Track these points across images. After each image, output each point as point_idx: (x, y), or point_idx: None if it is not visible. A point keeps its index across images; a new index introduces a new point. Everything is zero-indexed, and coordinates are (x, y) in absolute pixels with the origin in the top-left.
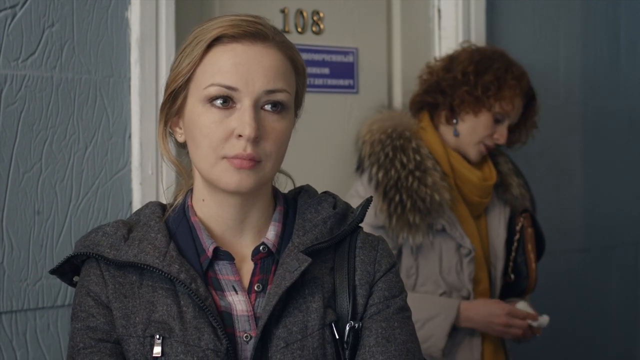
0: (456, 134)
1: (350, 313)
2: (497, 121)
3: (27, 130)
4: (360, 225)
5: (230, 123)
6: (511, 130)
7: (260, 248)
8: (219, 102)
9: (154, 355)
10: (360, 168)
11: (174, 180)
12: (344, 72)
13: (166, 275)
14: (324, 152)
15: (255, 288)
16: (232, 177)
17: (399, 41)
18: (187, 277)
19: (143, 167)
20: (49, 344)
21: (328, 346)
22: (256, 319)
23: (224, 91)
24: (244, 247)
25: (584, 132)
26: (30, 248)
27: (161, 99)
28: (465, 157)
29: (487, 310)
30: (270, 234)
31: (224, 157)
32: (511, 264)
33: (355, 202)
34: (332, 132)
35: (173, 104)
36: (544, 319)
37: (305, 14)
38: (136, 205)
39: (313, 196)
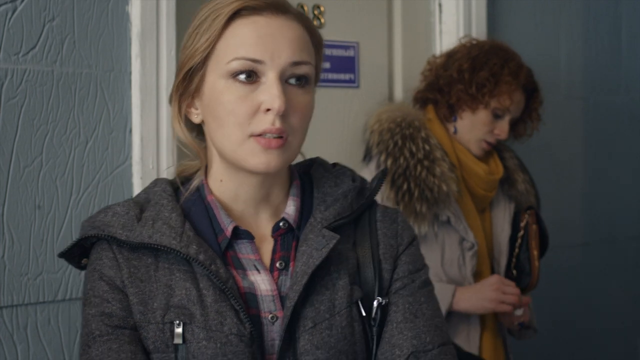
0: (455, 132)
1: (377, 290)
2: (496, 116)
3: (27, 124)
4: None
5: (256, 97)
6: (515, 123)
7: (280, 224)
8: (242, 76)
9: (174, 342)
10: (368, 156)
11: (175, 174)
12: (344, 66)
13: (184, 256)
14: (325, 147)
15: (278, 265)
16: (260, 158)
17: (400, 35)
18: (206, 258)
19: (144, 161)
20: (50, 339)
21: (356, 324)
22: (281, 298)
23: (248, 64)
24: (262, 225)
25: (585, 126)
26: (30, 242)
27: (162, 93)
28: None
29: (479, 285)
30: (290, 209)
31: (251, 135)
32: (514, 260)
33: None
34: (333, 126)
35: (189, 84)
36: (519, 311)
37: (306, 8)
38: None
39: (328, 169)
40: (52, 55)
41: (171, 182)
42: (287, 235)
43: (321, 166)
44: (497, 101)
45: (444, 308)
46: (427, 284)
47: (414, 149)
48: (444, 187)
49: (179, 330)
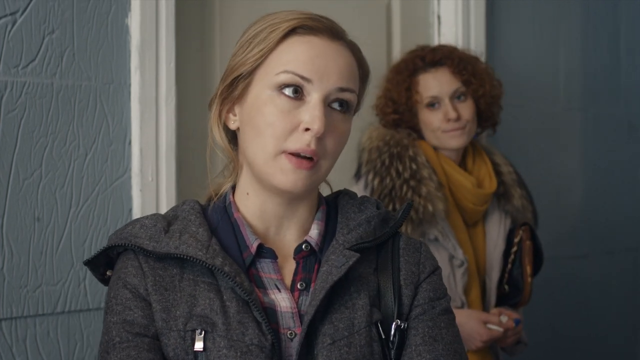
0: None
1: (395, 313)
2: (432, 105)
3: (27, 136)
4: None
5: (298, 115)
6: (477, 100)
7: (303, 246)
8: (289, 90)
9: (195, 349)
10: (357, 174)
11: (174, 186)
12: None
13: (209, 267)
14: None
15: (298, 286)
16: (288, 176)
17: (399, 48)
18: (231, 270)
19: (143, 173)
20: (49, 351)
21: (375, 345)
22: (300, 316)
23: (296, 80)
24: (285, 246)
25: (584, 137)
26: (30, 254)
27: (161, 105)
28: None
29: (468, 326)
30: (314, 233)
31: (285, 151)
32: (506, 275)
33: None
34: None
35: (234, 90)
36: (503, 318)
37: None
38: (136, 211)
39: (353, 197)
40: (52, 68)
41: (199, 203)
42: (309, 258)
43: (347, 195)
44: (418, 96)
45: None
46: (448, 311)
47: (400, 168)
48: (430, 207)
49: (200, 338)
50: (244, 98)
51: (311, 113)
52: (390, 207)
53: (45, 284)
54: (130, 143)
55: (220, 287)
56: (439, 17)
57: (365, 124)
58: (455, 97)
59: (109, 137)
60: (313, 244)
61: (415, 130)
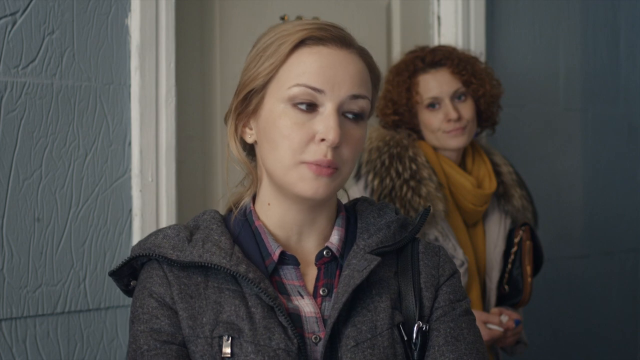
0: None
1: (417, 315)
2: (432, 106)
3: (27, 137)
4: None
5: (312, 126)
6: (477, 100)
7: (324, 253)
8: (302, 105)
9: (222, 355)
10: (357, 174)
11: (174, 186)
12: None
13: (234, 274)
14: None
15: (321, 292)
16: (309, 184)
17: (399, 48)
18: (255, 277)
19: (143, 174)
20: (49, 351)
21: (397, 346)
22: (324, 321)
23: (308, 92)
24: (307, 252)
25: (583, 138)
26: (30, 255)
27: (161, 106)
28: (463, 160)
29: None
30: (334, 239)
31: (303, 162)
32: (507, 275)
33: None
34: None
35: (248, 104)
36: (503, 318)
37: (303, 19)
38: (136, 212)
39: (372, 203)
40: (52, 68)
41: (219, 213)
42: (330, 264)
43: (366, 201)
44: (419, 97)
45: None
46: (469, 312)
47: (400, 168)
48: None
49: (228, 344)
50: (258, 112)
51: (326, 124)
52: None
53: (45, 285)
54: (130, 143)
55: (244, 294)
56: (438, 18)
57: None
58: (456, 97)
59: (108, 138)
60: (334, 250)
61: (415, 131)
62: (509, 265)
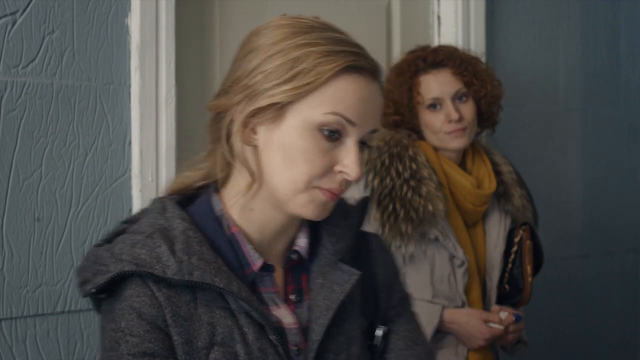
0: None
1: (378, 318)
2: (433, 106)
3: (27, 137)
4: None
5: (335, 155)
6: (478, 100)
7: (293, 256)
8: (329, 132)
9: None
10: None
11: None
12: None
13: (229, 294)
14: None
15: (293, 299)
16: (318, 208)
17: (399, 48)
18: (246, 295)
19: (143, 174)
20: (49, 351)
21: (365, 352)
22: (302, 330)
23: (342, 123)
24: (275, 255)
25: (583, 138)
26: (30, 255)
27: (161, 106)
28: (462, 160)
29: (469, 325)
30: (302, 241)
31: (316, 187)
32: (507, 275)
33: None
34: None
35: (267, 113)
36: (502, 315)
37: None
38: (136, 212)
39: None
40: (52, 68)
41: (177, 202)
42: (296, 267)
43: None
44: (420, 97)
45: (431, 327)
46: (414, 311)
47: (400, 168)
48: (430, 207)
49: None
50: (276, 122)
51: (350, 159)
52: (390, 208)
53: (45, 284)
54: (130, 143)
55: (233, 311)
56: (438, 18)
57: None
58: (457, 98)
59: (109, 138)
60: (303, 253)
61: (415, 131)
62: (509, 265)
